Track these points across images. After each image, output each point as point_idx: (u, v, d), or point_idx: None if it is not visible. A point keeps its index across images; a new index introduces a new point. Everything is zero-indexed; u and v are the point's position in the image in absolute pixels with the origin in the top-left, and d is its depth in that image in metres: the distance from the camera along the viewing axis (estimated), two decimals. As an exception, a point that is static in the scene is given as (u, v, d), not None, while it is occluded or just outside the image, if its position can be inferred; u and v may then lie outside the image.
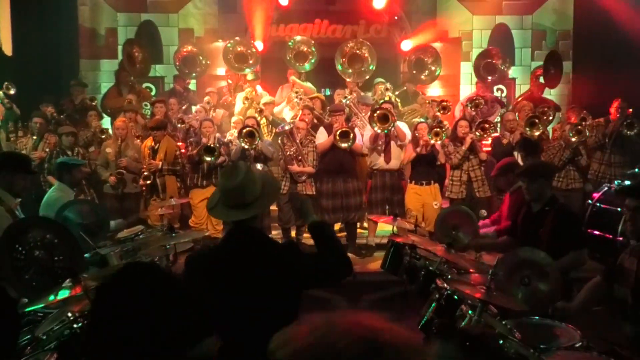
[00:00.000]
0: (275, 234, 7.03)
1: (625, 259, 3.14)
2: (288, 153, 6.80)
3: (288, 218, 6.86)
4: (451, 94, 9.65)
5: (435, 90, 9.80)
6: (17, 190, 4.16)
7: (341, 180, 6.75)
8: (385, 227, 6.77)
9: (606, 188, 6.33)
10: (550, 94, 9.46)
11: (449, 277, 3.62)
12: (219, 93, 8.83)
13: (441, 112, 7.40)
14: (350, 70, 8.52)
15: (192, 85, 9.63)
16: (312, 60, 8.69)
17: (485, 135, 6.85)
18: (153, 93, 9.69)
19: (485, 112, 8.05)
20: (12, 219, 3.89)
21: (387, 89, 8.21)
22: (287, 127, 7.00)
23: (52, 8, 9.13)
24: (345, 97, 7.60)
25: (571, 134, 6.85)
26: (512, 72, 9.95)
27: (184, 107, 8.56)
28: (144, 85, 9.60)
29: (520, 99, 9.02)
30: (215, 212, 2.69)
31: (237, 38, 8.99)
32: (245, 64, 8.69)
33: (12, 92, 7.63)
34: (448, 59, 9.57)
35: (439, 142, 6.59)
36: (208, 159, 6.78)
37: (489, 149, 7.28)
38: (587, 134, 6.98)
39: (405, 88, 8.99)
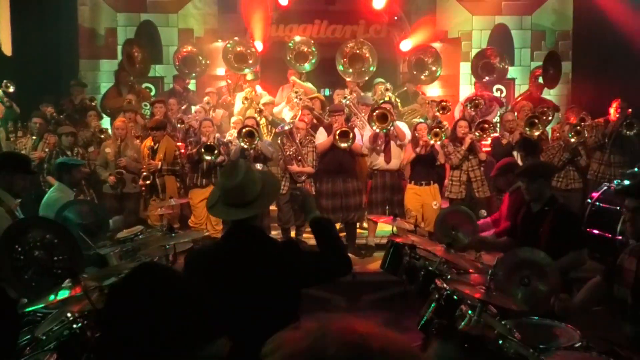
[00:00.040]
0: (275, 234, 7.03)
1: (624, 259, 3.14)
2: (288, 153, 6.80)
3: (288, 218, 6.86)
4: (451, 94, 9.66)
5: (434, 90, 9.80)
6: (17, 190, 4.16)
7: (341, 180, 6.76)
8: (385, 227, 6.77)
9: (605, 187, 6.34)
10: (550, 94, 9.46)
11: (449, 277, 3.62)
12: (218, 93, 8.83)
13: (441, 112, 7.40)
14: (350, 70, 8.53)
15: (192, 85, 9.64)
16: (313, 61, 8.69)
17: (484, 136, 6.85)
18: (152, 93, 9.70)
19: (483, 111, 8.05)
20: (11, 219, 3.89)
21: (387, 89, 8.21)
22: (286, 127, 7.01)
23: (52, 8, 9.13)
24: (345, 97, 7.60)
25: (570, 135, 6.86)
26: (512, 72, 9.97)
27: (183, 107, 8.56)
28: (144, 85, 9.61)
29: (519, 99, 9.03)
30: (215, 210, 2.68)
31: (236, 38, 8.99)
32: (244, 64, 8.69)
33: (11, 90, 7.63)
34: (448, 59, 9.57)
35: (439, 143, 6.60)
36: (208, 157, 6.76)
37: (489, 149, 7.29)
38: (586, 134, 6.98)
39: (405, 88, 8.99)
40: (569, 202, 6.43)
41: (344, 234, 6.99)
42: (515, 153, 6.95)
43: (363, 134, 6.94)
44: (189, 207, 7.17)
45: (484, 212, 5.25)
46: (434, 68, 9.06)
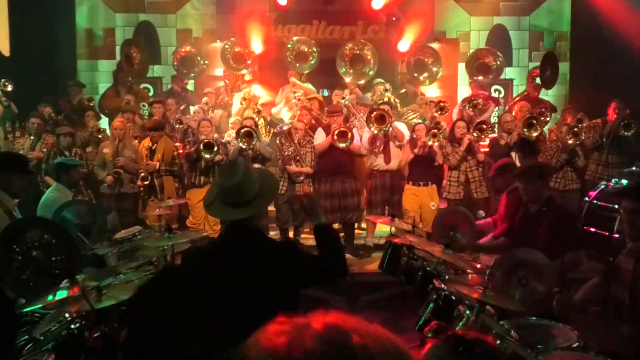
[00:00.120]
0: (273, 234, 7.02)
1: (622, 260, 3.16)
2: (286, 153, 6.80)
3: (286, 219, 6.85)
4: (449, 95, 9.65)
5: (432, 91, 9.80)
6: (15, 190, 4.16)
7: (339, 181, 6.75)
8: (383, 228, 6.78)
9: (603, 186, 6.35)
10: (548, 95, 9.47)
11: (447, 277, 3.63)
12: (217, 94, 8.83)
13: (439, 113, 7.41)
14: (351, 71, 8.52)
15: (190, 85, 9.63)
16: (313, 61, 8.67)
17: (482, 136, 6.86)
18: (151, 93, 9.70)
19: (479, 109, 8.05)
20: (9, 220, 3.89)
21: (386, 90, 8.20)
22: (285, 128, 7.01)
23: (50, 8, 9.11)
24: (344, 98, 7.60)
25: (568, 137, 6.87)
26: (510, 73, 9.98)
27: (181, 108, 8.56)
28: (142, 85, 9.60)
29: (517, 99, 9.04)
30: (213, 209, 2.67)
31: (232, 39, 8.97)
32: (242, 64, 8.69)
33: (9, 88, 7.62)
34: (446, 60, 9.55)
35: (437, 143, 6.60)
36: (207, 155, 6.73)
37: (487, 149, 7.29)
38: (584, 136, 7.00)
39: (404, 90, 8.99)
40: (567, 202, 6.44)
41: (342, 234, 7.00)
42: (513, 154, 6.95)
43: (362, 134, 6.94)
44: (187, 208, 7.16)
45: (482, 213, 5.25)
46: (434, 69, 9.05)
